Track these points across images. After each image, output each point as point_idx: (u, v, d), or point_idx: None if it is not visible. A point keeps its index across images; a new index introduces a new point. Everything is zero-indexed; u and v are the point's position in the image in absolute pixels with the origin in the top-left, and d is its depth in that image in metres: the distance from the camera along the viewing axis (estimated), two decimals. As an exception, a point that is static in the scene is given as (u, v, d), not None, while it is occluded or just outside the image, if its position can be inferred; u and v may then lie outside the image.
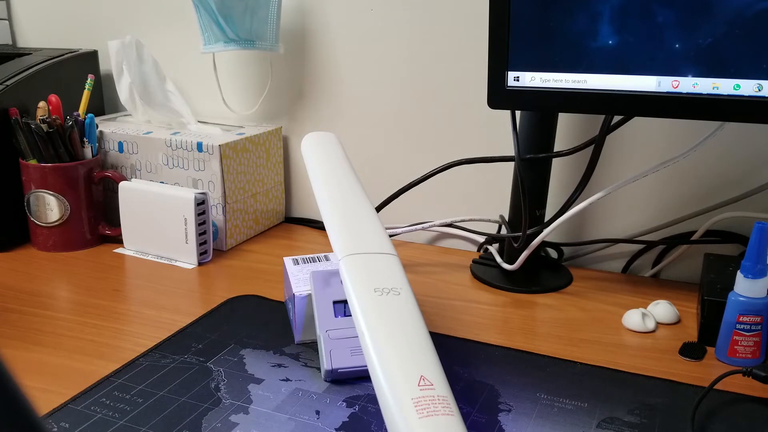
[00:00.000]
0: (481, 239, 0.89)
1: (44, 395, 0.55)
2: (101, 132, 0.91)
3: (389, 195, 0.87)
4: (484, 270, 0.81)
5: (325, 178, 0.62)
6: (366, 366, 0.56)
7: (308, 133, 0.69)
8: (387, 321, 0.48)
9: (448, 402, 0.43)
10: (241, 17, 0.88)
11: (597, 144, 0.71)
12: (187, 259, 0.83)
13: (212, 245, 0.85)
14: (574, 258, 0.88)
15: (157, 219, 0.83)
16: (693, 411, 0.53)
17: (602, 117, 0.71)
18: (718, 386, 0.58)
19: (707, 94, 0.60)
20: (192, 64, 1.02)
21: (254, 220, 0.93)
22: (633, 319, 0.68)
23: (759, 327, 0.60)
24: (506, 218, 0.80)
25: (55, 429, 0.50)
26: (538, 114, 0.74)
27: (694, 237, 0.79)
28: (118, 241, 0.89)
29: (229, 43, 0.90)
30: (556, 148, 0.77)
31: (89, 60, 1.01)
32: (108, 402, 0.54)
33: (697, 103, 0.61)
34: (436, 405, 0.43)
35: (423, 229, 0.87)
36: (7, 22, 1.13)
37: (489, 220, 0.88)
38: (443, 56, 0.87)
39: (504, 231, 0.83)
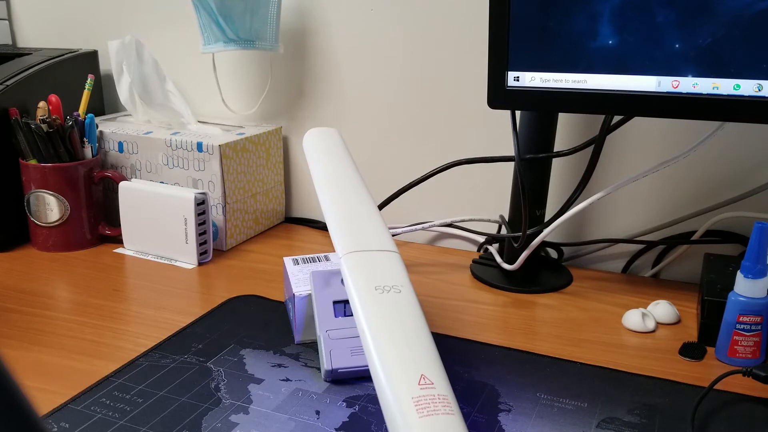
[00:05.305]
0: (481, 239, 0.89)
1: (44, 395, 0.55)
2: (101, 132, 0.91)
3: (389, 195, 0.87)
4: (484, 270, 0.81)
5: (327, 175, 0.62)
6: (366, 366, 0.56)
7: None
8: (388, 319, 0.48)
9: (448, 401, 0.43)
10: (240, 17, 0.88)
11: (597, 144, 0.71)
12: (187, 259, 0.83)
13: (212, 245, 0.85)
14: (574, 258, 0.88)
15: (157, 219, 0.83)
16: (693, 411, 0.53)
17: (602, 117, 0.71)
18: (718, 386, 0.58)
19: (707, 94, 0.60)
20: (192, 64, 1.02)
21: (254, 220, 0.93)
22: (633, 319, 0.68)
23: (759, 327, 0.60)
24: (506, 218, 0.80)
25: (55, 429, 0.50)
26: (538, 114, 0.74)
27: (694, 237, 0.79)
28: (118, 241, 0.89)
29: (228, 43, 0.90)
30: (556, 148, 0.77)
31: (89, 60, 1.01)
32: (108, 402, 0.54)
33: (697, 103, 0.61)
34: (436, 404, 0.43)
35: (423, 229, 0.87)
36: (7, 22, 1.13)
37: (489, 220, 0.88)
38: (443, 56, 0.87)
39: (504, 231, 0.83)
